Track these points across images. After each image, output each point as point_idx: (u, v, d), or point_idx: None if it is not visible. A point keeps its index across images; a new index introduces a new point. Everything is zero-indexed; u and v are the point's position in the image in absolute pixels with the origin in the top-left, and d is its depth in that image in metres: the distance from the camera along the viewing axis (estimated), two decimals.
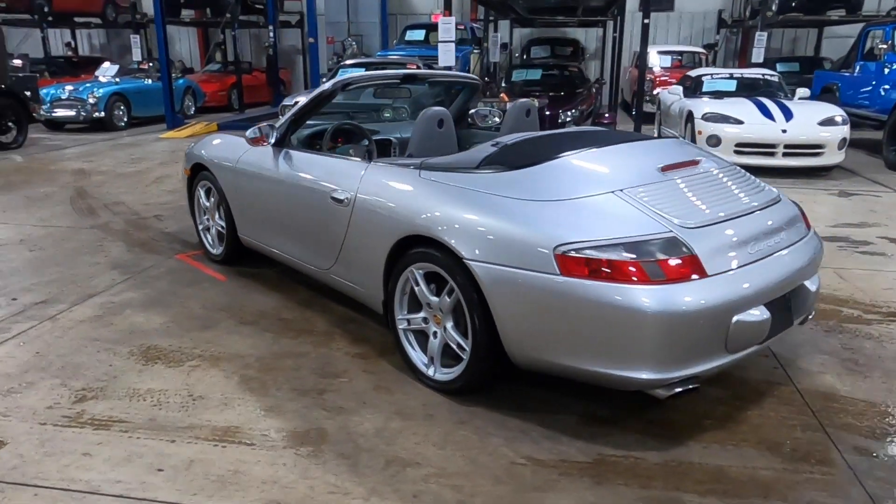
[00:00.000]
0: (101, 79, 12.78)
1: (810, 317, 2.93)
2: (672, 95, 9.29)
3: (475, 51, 12.92)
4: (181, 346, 3.30)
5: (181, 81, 13.81)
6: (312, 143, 4.03)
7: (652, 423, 2.65)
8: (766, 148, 7.53)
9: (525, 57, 15.52)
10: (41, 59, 16.25)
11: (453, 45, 8.65)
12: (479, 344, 2.64)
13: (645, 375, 2.31)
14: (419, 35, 14.61)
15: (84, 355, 3.19)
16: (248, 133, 3.72)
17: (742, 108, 7.84)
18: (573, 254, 2.33)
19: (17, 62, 11.50)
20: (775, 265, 2.56)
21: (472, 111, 4.62)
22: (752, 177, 3.06)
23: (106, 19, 18.30)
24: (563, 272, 2.34)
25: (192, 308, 3.77)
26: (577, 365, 2.42)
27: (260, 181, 3.81)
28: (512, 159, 2.78)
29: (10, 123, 9.90)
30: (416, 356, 2.97)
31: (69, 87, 11.86)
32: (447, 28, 8.57)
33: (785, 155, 7.55)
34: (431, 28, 14.71)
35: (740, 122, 7.60)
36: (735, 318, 2.35)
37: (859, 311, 3.78)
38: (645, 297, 2.24)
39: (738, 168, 3.08)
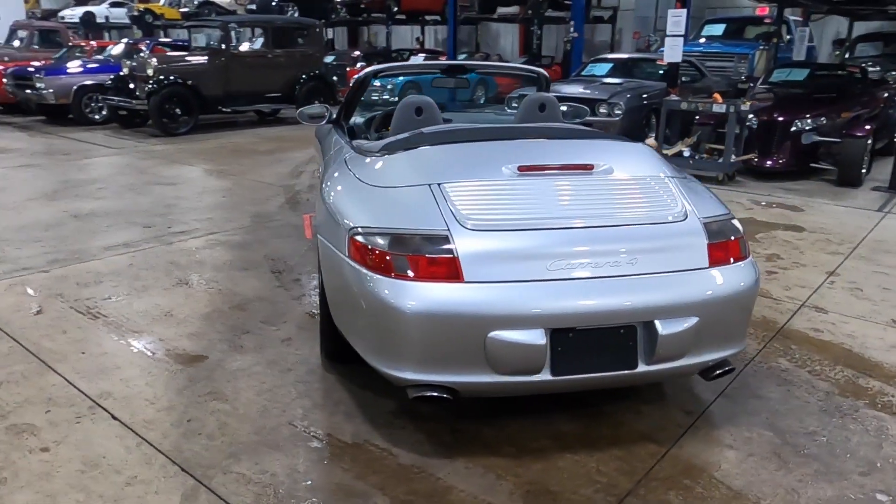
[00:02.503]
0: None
1: (713, 366, 2.46)
2: None
3: (763, 48, 11.49)
4: None
5: (473, 74, 15.16)
6: (369, 128, 4.46)
7: (457, 432, 2.57)
8: None
9: (849, 55, 13.15)
10: (380, 49, 19.33)
11: (681, 39, 8.07)
12: (323, 315, 2.88)
13: (407, 375, 2.30)
14: (717, 30, 13.76)
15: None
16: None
17: None
18: (357, 238, 2.41)
19: (356, 53, 14.06)
20: (589, 291, 2.25)
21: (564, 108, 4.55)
22: (665, 193, 2.59)
23: (444, 17, 20.83)
24: (349, 255, 2.44)
25: None
26: (361, 352, 2.49)
27: None
28: (400, 146, 2.86)
29: (317, 101, 12.26)
30: None
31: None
32: (676, 21, 8.01)
33: None
34: (736, 22, 13.62)
35: None
36: (491, 334, 2.18)
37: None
38: (386, 289, 2.25)
39: (655, 181, 2.63)
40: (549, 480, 2.29)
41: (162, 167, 7.76)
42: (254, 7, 22.10)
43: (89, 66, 11.63)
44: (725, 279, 2.40)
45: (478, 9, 18.61)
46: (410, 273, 2.24)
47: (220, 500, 2.17)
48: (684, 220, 2.48)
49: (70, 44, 14.48)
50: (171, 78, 10.07)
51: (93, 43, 14.03)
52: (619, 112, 8.45)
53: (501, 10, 19.43)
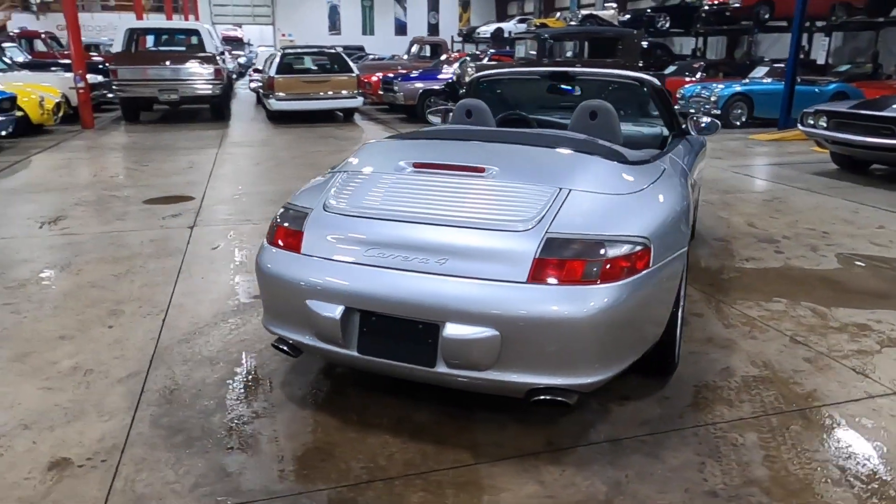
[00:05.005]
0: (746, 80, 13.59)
1: (539, 390, 2.32)
2: None
3: None
4: None
5: (831, 86, 13.12)
6: None
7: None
8: None
9: None
10: (756, 60, 17.77)
11: None
12: None
13: (270, 327, 2.77)
14: None
15: None
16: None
17: None
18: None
19: (698, 64, 13.55)
20: (389, 281, 2.39)
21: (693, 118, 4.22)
22: (536, 202, 2.45)
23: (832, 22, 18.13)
24: None
25: None
26: None
27: None
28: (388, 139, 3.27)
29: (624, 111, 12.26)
30: None
31: (701, 86, 13.28)
32: None
33: None
34: None
35: None
36: (307, 301, 2.52)
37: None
38: (261, 255, 2.75)
39: (542, 191, 2.51)
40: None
41: None
42: (625, 18, 22.62)
43: (437, 74, 13.79)
44: (542, 298, 2.24)
45: (867, 12, 15.76)
46: (280, 242, 2.70)
47: None
48: (525, 230, 2.36)
49: (444, 56, 17.20)
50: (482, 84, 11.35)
51: (455, 54, 16.43)
52: None
53: None
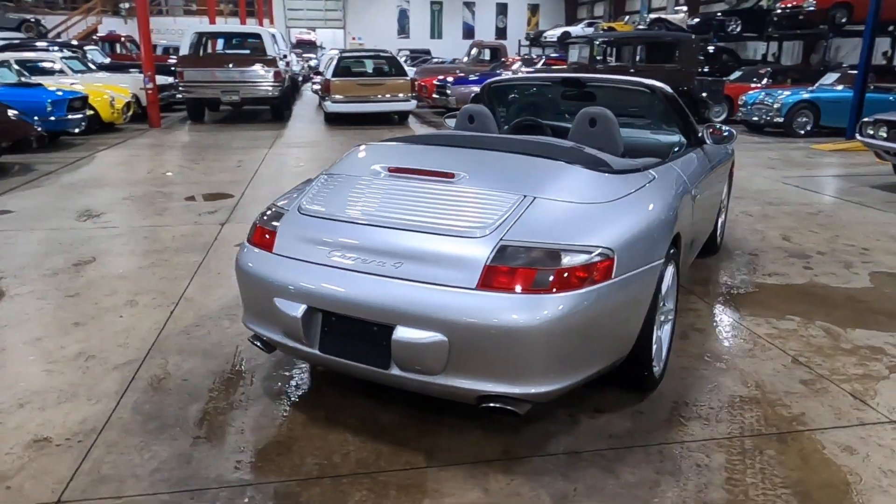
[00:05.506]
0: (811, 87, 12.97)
1: (489, 397, 2.32)
2: None
3: None
4: None
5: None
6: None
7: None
8: None
9: None
10: (832, 66, 16.95)
11: None
12: None
13: (247, 323, 2.86)
14: None
15: None
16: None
17: None
18: None
19: (764, 70, 13.10)
20: (348, 283, 2.44)
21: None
22: (498, 209, 2.45)
23: None
24: None
25: None
26: None
27: None
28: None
29: None
30: None
31: (765, 93, 12.76)
32: None
33: None
34: None
35: None
36: (275, 299, 2.60)
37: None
38: (240, 252, 2.85)
39: (505, 199, 2.51)
40: None
41: None
42: (693, 22, 21.98)
43: (487, 77, 13.80)
44: (490, 305, 2.23)
45: None
46: (254, 240, 2.79)
47: None
48: (481, 237, 2.36)
49: (502, 59, 17.19)
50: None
51: (513, 56, 16.40)
52: None
53: None
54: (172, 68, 14.22)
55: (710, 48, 18.54)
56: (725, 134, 4.09)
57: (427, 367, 2.32)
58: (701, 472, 2.42)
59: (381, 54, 14.28)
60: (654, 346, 2.87)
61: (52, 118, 9.74)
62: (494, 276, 2.28)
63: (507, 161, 2.83)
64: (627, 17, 29.82)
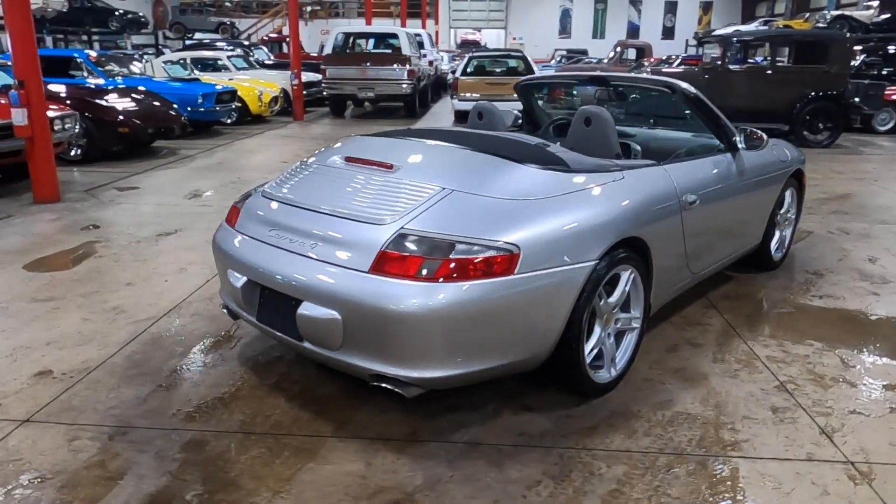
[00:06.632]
0: None
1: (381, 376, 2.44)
2: None
3: None
4: None
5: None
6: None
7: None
8: None
9: None
10: None
11: None
12: None
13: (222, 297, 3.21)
14: None
15: None
16: None
17: None
18: None
19: None
20: (270, 258, 2.67)
21: None
22: (412, 199, 2.55)
23: None
24: None
25: None
26: None
27: None
28: None
29: (823, 125, 10.81)
30: None
31: None
32: None
33: None
34: None
35: None
36: (228, 270, 2.91)
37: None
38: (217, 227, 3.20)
39: (427, 190, 2.60)
40: None
41: None
42: (880, 19, 19.59)
43: None
44: (377, 288, 2.35)
45: None
46: (227, 218, 3.12)
47: None
48: (386, 224, 2.47)
49: (644, 60, 16.53)
50: None
51: (656, 57, 15.70)
52: None
53: None
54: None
55: (892, 48, 16.45)
56: (755, 138, 3.78)
57: (326, 342, 2.49)
58: (588, 481, 2.35)
59: (512, 54, 14.37)
60: (595, 351, 2.81)
61: (202, 109, 11.02)
62: (386, 262, 2.39)
63: (451, 156, 2.90)
64: (808, 15, 27.23)
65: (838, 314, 3.89)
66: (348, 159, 2.98)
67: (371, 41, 17.11)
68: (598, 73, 4.35)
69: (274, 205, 2.88)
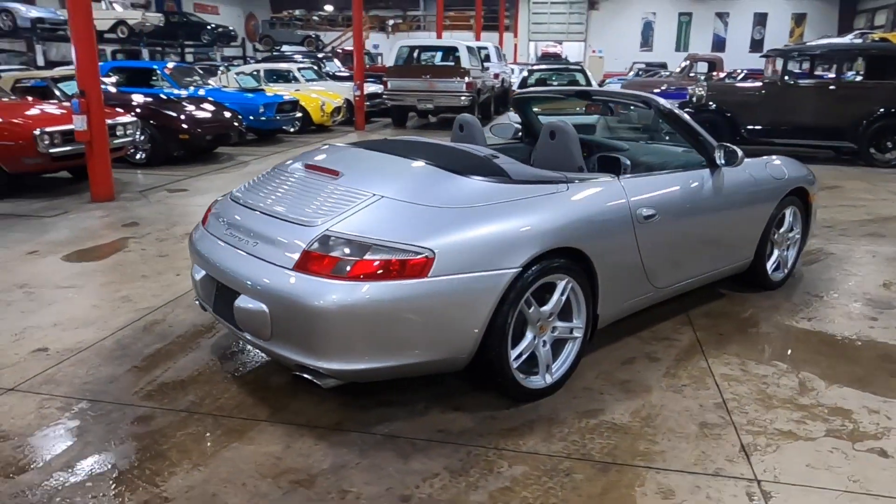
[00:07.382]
0: None
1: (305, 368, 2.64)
2: None
3: None
4: None
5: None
6: None
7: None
8: None
9: None
10: None
11: None
12: None
13: None
14: None
15: None
16: None
17: None
18: None
19: None
20: (221, 254, 2.92)
21: None
22: (343, 204, 2.74)
23: None
24: None
25: None
26: None
27: None
28: None
29: (892, 143, 10.21)
30: None
31: None
32: None
33: None
34: None
35: None
36: (194, 265, 3.19)
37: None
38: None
39: (364, 197, 2.78)
40: None
41: None
42: None
43: (686, 93, 13.09)
44: (297, 285, 2.55)
45: None
46: (203, 219, 3.40)
47: None
48: (315, 226, 2.67)
49: (714, 73, 16.08)
50: (710, 105, 10.58)
51: (725, 71, 15.25)
52: None
53: None
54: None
55: None
56: (732, 155, 3.72)
57: (259, 332, 2.71)
58: (484, 477, 2.45)
59: (571, 68, 14.36)
60: (527, 357, 2.90)
61: (263, 118, 11.64)
62: (308, 260, 2.59)
63: (394, 166, 3.07)
64: None
65: (820, 337, 3.77)
66: (307, 166, 3.20)
67: (438, 54, 17.46)
68: (580, 88, 4.41)
69: (235, 206, 3.14)
